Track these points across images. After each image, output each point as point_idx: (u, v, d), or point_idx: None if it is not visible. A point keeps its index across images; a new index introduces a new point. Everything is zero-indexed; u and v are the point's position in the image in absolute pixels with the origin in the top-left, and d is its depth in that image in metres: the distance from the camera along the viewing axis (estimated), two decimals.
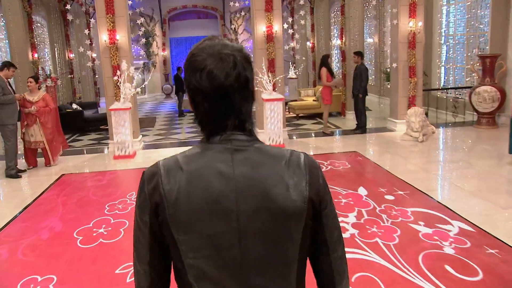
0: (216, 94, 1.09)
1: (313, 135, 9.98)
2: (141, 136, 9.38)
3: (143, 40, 10.92)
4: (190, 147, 1.18)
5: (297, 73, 17.92)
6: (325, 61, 9.54)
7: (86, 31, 11.95)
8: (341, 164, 6.94)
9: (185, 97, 15.06)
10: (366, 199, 5.29)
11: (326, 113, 9.78)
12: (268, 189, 1.09)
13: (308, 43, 16.50)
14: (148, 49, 20.80)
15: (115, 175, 7.00)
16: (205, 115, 1.13)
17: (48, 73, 10.35)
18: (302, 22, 14.48)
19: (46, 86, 10.00)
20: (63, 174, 7.23)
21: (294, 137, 9.54)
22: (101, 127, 12.41)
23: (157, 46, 21.12)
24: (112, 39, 8.40)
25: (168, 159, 1.16)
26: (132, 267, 1.23)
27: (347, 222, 4.62)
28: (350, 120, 11.91)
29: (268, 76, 8.48)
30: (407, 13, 9.28)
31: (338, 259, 1.23)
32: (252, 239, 1.10)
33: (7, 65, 7.24)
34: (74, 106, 13.49)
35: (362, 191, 5.59)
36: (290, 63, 17.44)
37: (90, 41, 11.12)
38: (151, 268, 1.20)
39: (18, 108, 7.56)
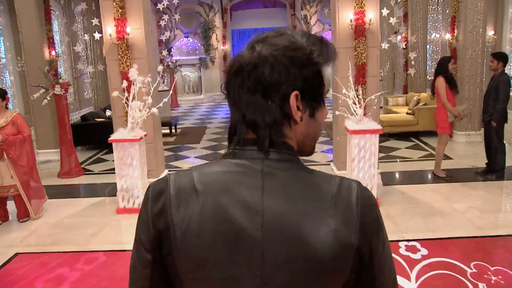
0: (230, 97, 0.93)
1: (419, 178, 6.66)
2: (166, 172, 6.55)
3: (165, 34, 8.06)
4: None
5: (382, 73, 14.48)
6: (443, 67, 6.16)
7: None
8: None
9: None
10: None
11: (441, 147, 6.39)
12: (305, 231, 0.85)
13: (398, 36, 12.98)
14: (207, 43, 18.19)
15: (93, 266, 4.14)
16: (230, 122, 0.96)
17: (60, 77, 7.88)
18: (384, 11, 11.01)
19: (54, 94, 7.46)
20: (17, 254, 4.54)
21: (388, 180, 6.29)
22: None
23: (216, 39, 18.42)
24: (120, 32, 5.60)
25: (182, 175, 0.94)
26: None
27: None
28: (461, 144, 8.47)
29: (357, 92, 5.34)
30: None
31: None
32: None
33: None
34: (108, 113, 11.03)
35: None
36: None
37: None
38: None
39: None
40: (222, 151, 8.96)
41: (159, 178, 0.97)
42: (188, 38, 17.98)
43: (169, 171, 7.23)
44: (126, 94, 5.33)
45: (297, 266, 0.86)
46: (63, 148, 7.64)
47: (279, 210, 0.87)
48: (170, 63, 16.85)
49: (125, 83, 5.38)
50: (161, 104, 5.49)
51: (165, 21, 6.38)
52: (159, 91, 13.30)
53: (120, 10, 5.55)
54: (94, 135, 9.67)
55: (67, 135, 7.67)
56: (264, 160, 0.90)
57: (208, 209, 0.88)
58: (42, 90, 7.36)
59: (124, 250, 4.48)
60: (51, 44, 8.87)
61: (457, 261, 3.87)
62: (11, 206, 5.48)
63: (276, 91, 0.89)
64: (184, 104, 17.71)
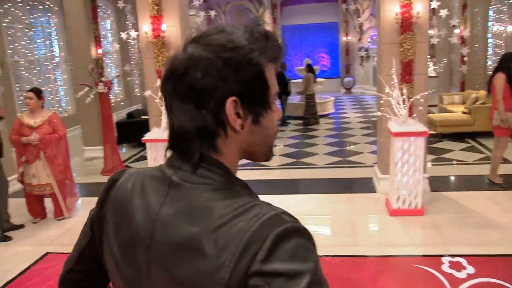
0: (165, 105, 0.86)
1: (472, 184, 6.13)
2: None
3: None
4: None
5: (438, 70, 13.72)
6: (506, 63, 5.57)
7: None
8: None
9: (289, 100, 11.92)
10: None
11: (498, 151, 5.83)
12: (180, 256, 0.78)
13: (457, 30, 12.20)
14: None
15: None
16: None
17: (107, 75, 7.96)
18: (434, 3, 10.26)
19: (98, 92, 7.54)
20: (47, 254, 4.55)
21: (437, 186, 5.83)
22: None
23: None
24: (156, 30, 5.51)
25: (132, 173, 0.95)
26: None
27: None
28: None
29: (401, 91, 4.95)
30: None
31: None
32: None
33: None
34: None
35: None
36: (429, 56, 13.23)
37: None
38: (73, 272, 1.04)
39: None
40: None
41: (119, 170, 0.99)
42: None
43: None
44: (160, 93, 5.23)
45: None
46: (107, 145, 7.71)
47: (168, 223, 0.81)
48: None
49: (158, 82, 5.28)
50: None
51: (201, 19, 6.23)
52: None
53: (156, 7, 5.47)
54: (139, 132, 9.73)
55: (111, 133, 7.75)
56: (180, 170, 0.84)
57: (124, 209, 0.89)
58: (87, 88, 7.46)
59: None
60: (98, 42, 9.00)
61: (508, 283, 3.44)
62: (49, 204, 5.55)
63: (209, 97, 0.79)
64: None
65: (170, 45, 5.64)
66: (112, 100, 8.24)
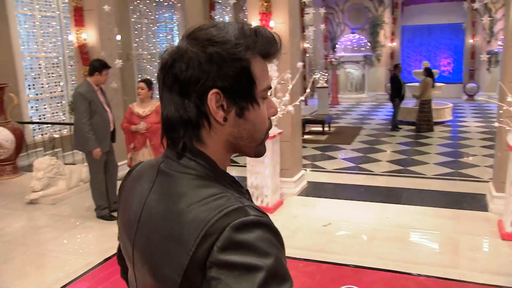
0: (158, 90, 0.91)
1: None
2: (302, 172, 6.32)
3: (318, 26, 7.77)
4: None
5: None
6: None
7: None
8: None
9: (404, 104, 11.35)
10: None
11: None
12: (153, 238, 0.84)
13: None
14: (374, 39, 17.40)
15: None
16: None
17: None
18: None
19: None
20: None
21: None
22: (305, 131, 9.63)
23: (385, 35, 17.50)
24: (263, 26, 5.53)
25: (146, 161, 1.04)
26: None
27: None
28: None
29: None
30: None
31: None
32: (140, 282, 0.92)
33: (99, 67, 5.07)
34: None
35: None
36: None
37: None
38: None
39: (112, 127, 5.41)
40: (372, 155, 8.42)
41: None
42: (354, 34, 17.42)
43: (310, 171, 7.04)
44: None
45: (147, 270, 0.85)
46: None
47: (151, 207, 0.87)
48: (333, 60, 16.55)
49: None
50: (297, 102, 5.27)
51: (310, 16, 6.12)
52: (317, 87, 13.20)
53: (265, 4, 5.48)
54: None
55: None
56: (168, 159, 0.89)
57: (127, 195, 0.99)
58: None
59: None
60: None
61: None
62: None
63: (192, 89, 0.83)
64: (345, 102, 17.26)
65: None
66: None
